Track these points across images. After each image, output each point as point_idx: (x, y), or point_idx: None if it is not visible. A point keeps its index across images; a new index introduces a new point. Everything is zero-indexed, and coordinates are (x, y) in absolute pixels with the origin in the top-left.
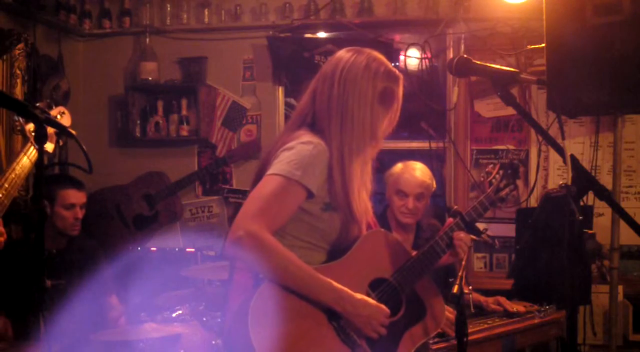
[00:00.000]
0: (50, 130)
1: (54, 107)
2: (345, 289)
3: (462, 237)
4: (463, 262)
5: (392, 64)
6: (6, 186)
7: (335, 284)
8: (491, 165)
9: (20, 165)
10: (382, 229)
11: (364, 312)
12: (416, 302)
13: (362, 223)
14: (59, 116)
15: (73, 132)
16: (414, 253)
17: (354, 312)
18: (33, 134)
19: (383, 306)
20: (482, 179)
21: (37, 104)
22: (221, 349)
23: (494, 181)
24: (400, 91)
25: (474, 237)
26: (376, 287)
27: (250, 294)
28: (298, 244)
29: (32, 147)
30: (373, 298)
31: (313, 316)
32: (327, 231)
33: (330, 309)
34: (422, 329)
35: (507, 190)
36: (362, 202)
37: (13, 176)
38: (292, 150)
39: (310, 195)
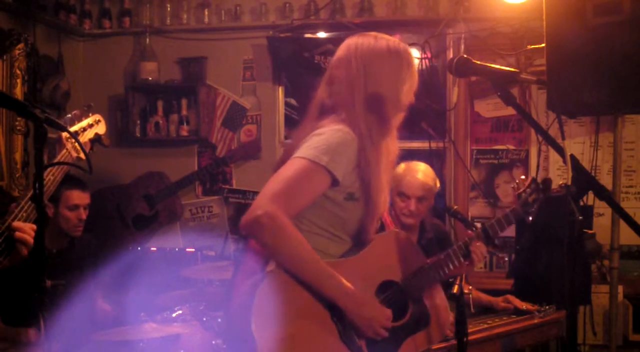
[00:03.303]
0: (85, 138)
1: (90, 115)
2: (352, 287)
3: (479, 247)
4: None
5: None
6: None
7: (343, 281)
8: (523, 177)
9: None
10: (400, 230)
11: (366, 313)
12: (423, 308)
13: (381, 216)
14: (94, 124)
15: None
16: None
17: (357, 312)
18: (68, 139)
19: (386, 310)
20: (512, 188)
21: (75, 112)
22: (221, 345)
23: (523, 194)
24: (414, 65)
25: (490, 249)
26: (384, 289)
27: (257, 279)
28: (315, 230)
29: (67, 152)
30: (379, 300)
31: (317, 311)
32: (348, 220)
33: (334, 306)
34: (426, 337)
35: (535, 206)
36: (384, 192)
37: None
38: (322, 135)
39: (335, 182)
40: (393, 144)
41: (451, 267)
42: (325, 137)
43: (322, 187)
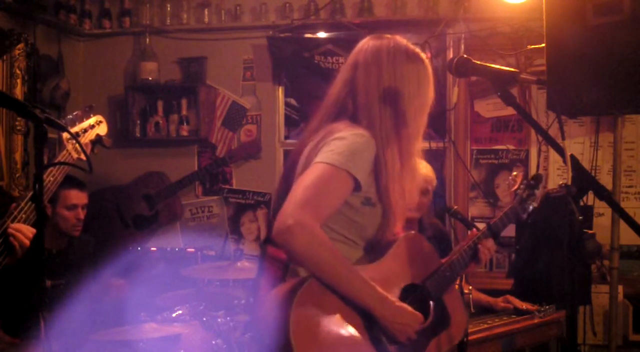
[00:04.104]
0: (86, 139)
1: (92, 116)
2: (386, 295)
3: (487, 245)
4: None
5: None
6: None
7: (378, 289)
8: (515, 173)
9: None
10: (416, 232)
11: (401, 319)
12: (443, 309)
13: (400, 221)
14: (96, 125)
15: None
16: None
17: (391, 318)
18: (69, 140)
19: (418, 314)
20: (507, 184)
21: (76, 112)
22: (221, 345)
23: (519, 191)
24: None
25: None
26: (408, 292)
27: (288, 289)
28: (332, 235)
29: (67, 153)
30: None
31: (350, 316)
32: (364, 226)
33: (368, 312)
34: (448, 337)
35: (530, 201)
36: (403, 199)
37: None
38: (344, 140)
39: (357, 188)
40: (415, 151)
41: (464, 266)
42: (348, 142)
43: (347, 192)
